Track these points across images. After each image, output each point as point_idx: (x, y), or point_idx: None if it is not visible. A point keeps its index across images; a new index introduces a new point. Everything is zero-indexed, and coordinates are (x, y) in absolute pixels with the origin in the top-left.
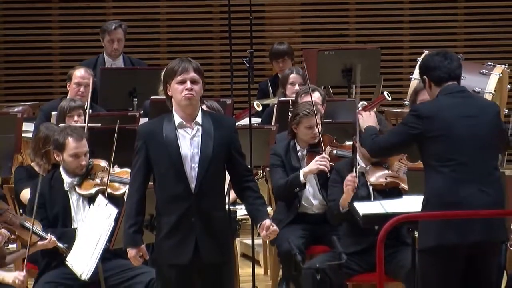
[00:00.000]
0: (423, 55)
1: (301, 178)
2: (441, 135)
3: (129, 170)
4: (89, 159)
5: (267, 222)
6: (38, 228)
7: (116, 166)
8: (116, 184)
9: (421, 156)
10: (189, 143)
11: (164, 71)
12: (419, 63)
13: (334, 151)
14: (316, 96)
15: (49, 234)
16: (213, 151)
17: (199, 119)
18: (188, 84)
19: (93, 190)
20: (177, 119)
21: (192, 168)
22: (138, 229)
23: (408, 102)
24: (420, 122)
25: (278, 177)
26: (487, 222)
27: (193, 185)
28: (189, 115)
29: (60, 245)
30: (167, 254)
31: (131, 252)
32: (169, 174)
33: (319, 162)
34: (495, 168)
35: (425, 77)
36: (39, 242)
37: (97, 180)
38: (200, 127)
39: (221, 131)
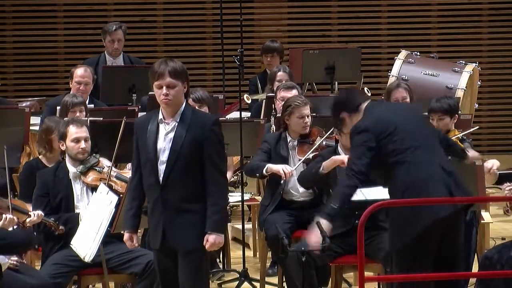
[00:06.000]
0: (399, 54)
1: (264, 170)
2: (392, 133)
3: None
4: (94, 154)
5: (206, 237)
6: (21, 207)
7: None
8: (118, 181)
9: (380, 158)
10: (163, 138)
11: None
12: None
13: (324, 143)
14: (293, 93)
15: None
16: (181, 147)
17: (178, 115)
18: (164, 90)
19: (99, 183)
20: (160, 115)
21: (161, 162)
22: (133, 213)
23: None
24: (369, 134)
25: (256, 158)
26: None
27: (161, 178)
28: (170, 112)
29: (47, 219)
30: (149, 237)
31: (125, 235)
32: (146, 165)
33: (284, 169)
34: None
35: (343, 115)
36: (27, 219)
37: (104, 175)
38: (176, 123)
39: (197, 127)
